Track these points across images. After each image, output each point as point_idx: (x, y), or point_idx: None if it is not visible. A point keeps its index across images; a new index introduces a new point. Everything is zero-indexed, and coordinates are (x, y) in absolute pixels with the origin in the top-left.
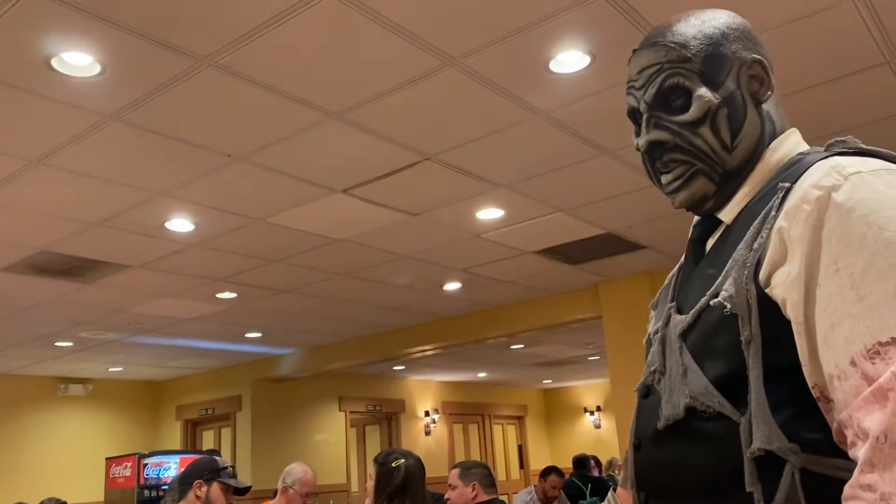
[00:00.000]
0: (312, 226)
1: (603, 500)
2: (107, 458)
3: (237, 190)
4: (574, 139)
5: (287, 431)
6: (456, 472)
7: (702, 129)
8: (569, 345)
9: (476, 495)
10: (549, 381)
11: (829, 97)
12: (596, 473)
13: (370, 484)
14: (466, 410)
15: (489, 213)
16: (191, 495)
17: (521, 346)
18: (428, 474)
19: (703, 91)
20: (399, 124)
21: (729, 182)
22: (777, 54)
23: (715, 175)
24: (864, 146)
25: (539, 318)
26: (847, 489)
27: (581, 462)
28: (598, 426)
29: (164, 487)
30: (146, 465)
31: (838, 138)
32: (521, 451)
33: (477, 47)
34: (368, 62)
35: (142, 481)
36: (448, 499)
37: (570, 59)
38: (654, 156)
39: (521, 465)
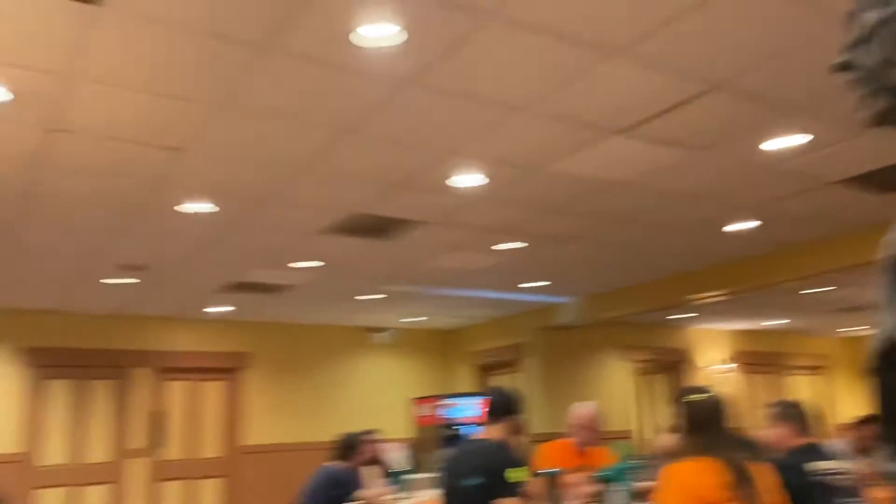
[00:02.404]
0: (591, 171)
1: None
2: (413, 399)
3: (521, 141)
4: None
5: (572, 378)
6: (773, 411)
7: None
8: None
9: (788, 436)
10: (854, 328)
11: None
12: None
13: (668, 427)
14: (757, 360)
15: (783, 142)
16: (511, 425)
17: (820, 289)
18: None
19: None
20: (685, 53)
21: None
22: None
23: None
24: None
25: (841, 258)
26: None
27: None
28: None
29: (460, 427)
30: (446, 405)
31: None
32: (821, 404)
33: None
34: None
35: (443, 420)
36: (762, 438)
37: None
38: None
39: (821, 419)
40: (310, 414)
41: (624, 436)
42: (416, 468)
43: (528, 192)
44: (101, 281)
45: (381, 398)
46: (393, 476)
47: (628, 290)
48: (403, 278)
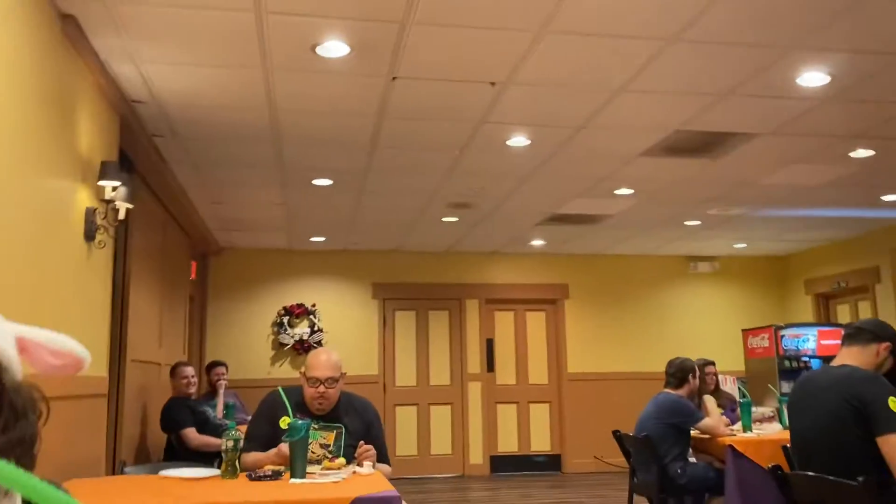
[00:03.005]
0: None
1: None
2: (743, 330)
3: (883, 22)
4: None
5: None
6: None
7: None
8: None
9: None
10: None
11: None
12: None
13: None
14: None
15: None
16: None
17: None
18: None
19: None
20: None
21: None
22: None
23: None
24: None
25: None
26: None
27: None
28: None
29: (803, 359)
30: (783, 336)
31: None
32: None
33: None
34: None
35: (781, 352)
36: None
37: None
38: None
39: None
40: (631, 344)
41: None
42: (752, 401)
43: (887, 86)
44: (442, 220)
45: (706, 329)
46: (740, 407)
47: None
48: (731, 200)
